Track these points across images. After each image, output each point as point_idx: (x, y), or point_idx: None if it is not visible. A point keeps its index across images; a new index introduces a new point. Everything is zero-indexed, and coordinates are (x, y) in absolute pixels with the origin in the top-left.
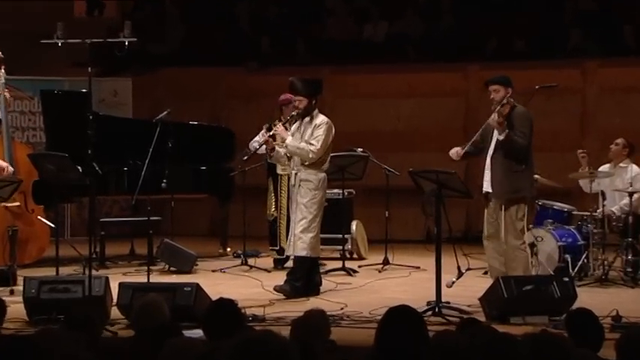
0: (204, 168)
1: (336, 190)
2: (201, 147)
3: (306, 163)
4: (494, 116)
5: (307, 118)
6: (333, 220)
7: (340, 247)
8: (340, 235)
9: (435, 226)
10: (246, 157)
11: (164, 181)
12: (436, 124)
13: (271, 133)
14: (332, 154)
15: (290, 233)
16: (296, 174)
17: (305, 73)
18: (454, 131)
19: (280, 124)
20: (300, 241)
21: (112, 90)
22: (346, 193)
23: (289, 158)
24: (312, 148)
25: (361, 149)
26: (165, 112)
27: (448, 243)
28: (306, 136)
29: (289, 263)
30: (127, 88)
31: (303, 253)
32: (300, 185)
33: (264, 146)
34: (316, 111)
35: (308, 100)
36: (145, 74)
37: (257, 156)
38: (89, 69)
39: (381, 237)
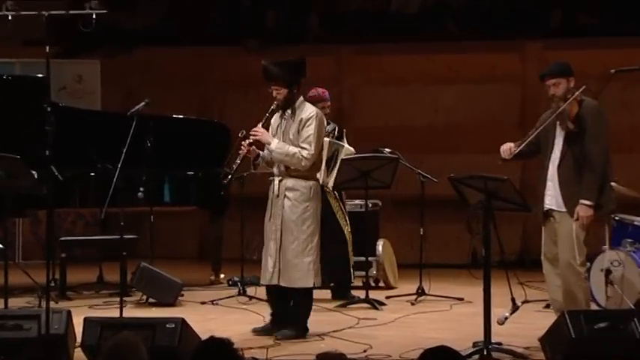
0: (191, 173)
1: (357, 202)
2: (188, 147)
3: (293, 170)
4: (568, 124)
5: (289, 111)
6: (354, 238)
7: (363, 273)
8: (363, 258)
9: (483, 248)
10: (226, 181)
11: (141, 189)
12: (484, 117)
13: (250, 141)
14: (353, 156)
15: (271, 260)
16: (280, 181)
17: (319, 53)
18: (507, 127)
19: (259, 125)
20: (295, 269)
21: (76, 75)
22: (370, 205)
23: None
24: (304, 153)
25: (389, 150)
26: (142, 103)
27: (499, 268)
28: (290, 135)
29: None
30: (95, 73)
31: (305, 284)
32: (285, 197)
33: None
34: (300, 99)
35: (288, 89)
36: (118, 55)
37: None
38: (46, 48)
39: (414, 260)
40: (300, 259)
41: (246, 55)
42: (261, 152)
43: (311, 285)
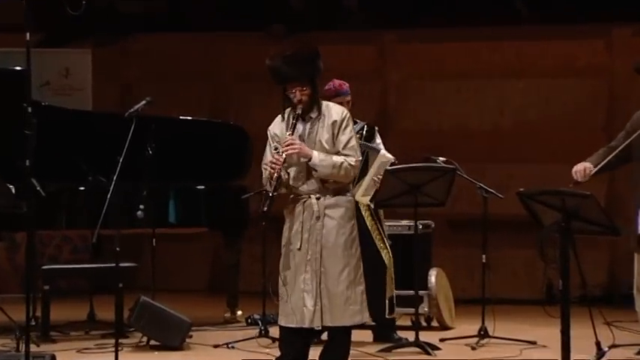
0: (202, 188)
1: (404, 222)
2: (198, 155)
3: (330, 185)
4: None
5: (313, 114)
6: (400, 267)
7: (412, 310)
8: (412, 292)
9: (560, 279)
10: (266, 208)
11: (141, 207)
12: (562, 119)
13: (283, 156)
14: (400, 167)
15: (309, 298)
16: (318, 199)
17: (357, 41)
18: (590, 130)
19: (289, 136)
20: (347, 303)
21: (62, 67)
22: (421, 227)
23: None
24: (351, 161)
25: (444, 158)
26: (143, 102)
27: (581, 305)
28: (322, 142)
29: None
30: (85, 65)
31: (361, 319)
32: (327, 216)
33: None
34: (322, 100)
35: (313, 87)
36: (113, 44)
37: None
38: (27, 35)
39: (475, 294)
40: (352, 290)
41: (270, 42)
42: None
43: (367, 319)
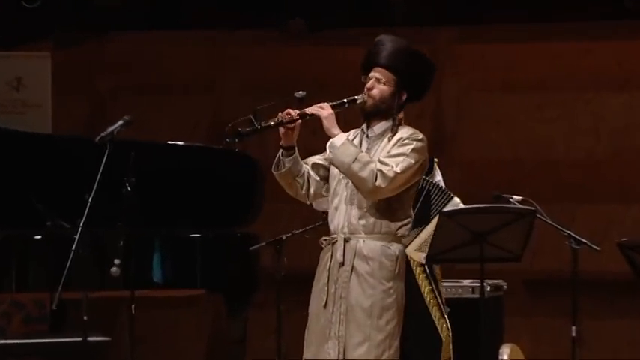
0: (197, 236)
1: (466, 283)
2: (193, 193)
3: (370, 220)
4: None
5: (380, 126)
6: (462, 343)
7: None
8: None
9: None
10: (240, 136)
11: (116, 262)
12: None
13: (301, 112)
14: (459, 209)
15: None
16: (347, 241)
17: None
18: None
19: (326, 103)
20: None
21: (12, 77)
22: (489, 289)
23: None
24: (384, 167)
25: (519, 197)
26: (120, 123)
27: None
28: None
29: None
30: (43, 74)
31: None
32: (354, 269)
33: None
34: (401, 117)
35: (393, 87)
36: (81, 45)
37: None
38: None
39: None
40: None
41: (285, 42)
42: (296, 148)
43: None
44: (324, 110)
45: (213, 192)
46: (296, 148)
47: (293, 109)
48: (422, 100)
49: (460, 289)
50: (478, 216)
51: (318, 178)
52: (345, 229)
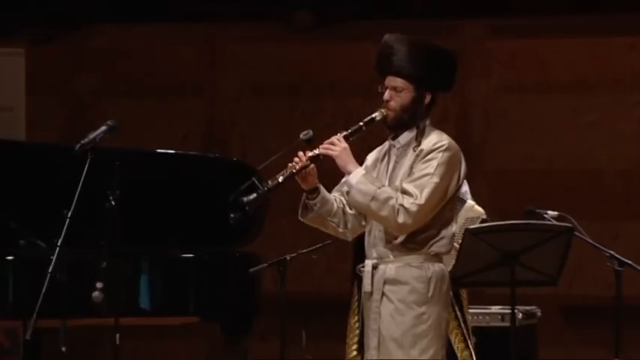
0: (190, 257)
1: (496, 309)
2: (185, 208)
3: (397, 240)
4: None
5: (405, 136)
6: None
7: None
8: None
9: None
10: (248, 199)
11: (98, 286)
12: None
13: (314, 153)
14: (487, 225)
15: None
16: (375, 267)
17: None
18: None
19: (340, 135)
20: None
21: None
22: (521, 316)
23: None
24: (405, 201)
25: (555, 213)
26: (103, 129)
27: None
28: (397, 177)
29: None
30: (16, 73)
31: None
32: (384, 295)
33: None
34: (427, 123)
35: (414, 94)
36: (58, 41)
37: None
38: None
39: None
40: None
41: (292, 37)
42: (322, 187)
43: None
44: (336, 147)
45: (207, 206)
46: (321, 188)
47: (303, 150)
48: (444, 103)
49: (488, 317)
50: (508, 234)
51: (353, 211)
52: (374, 254)
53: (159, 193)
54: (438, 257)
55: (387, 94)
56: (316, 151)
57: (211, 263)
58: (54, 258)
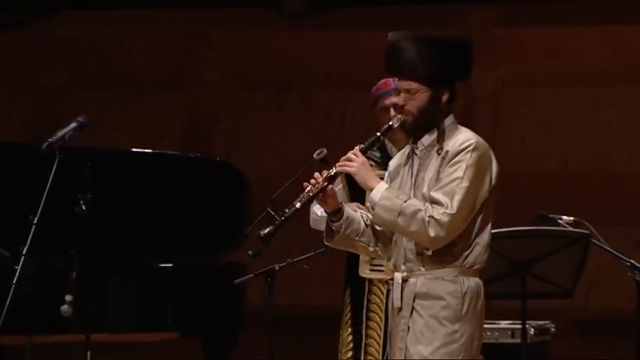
0: (168, 267)
1: (504, 324)
2: (164, 213)
3: (428, 252)
4: None
5: (427, 138)
6: None
7: None
8: None
9: None
10: (264, 233)
11: (67, 299)
12: None
13: (333, 173)
14: (495, 232)
15: None
16: (405, 280)
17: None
18: None
19: (357, 148)
20: None
21: None
22: (533, 332)
23: (380, 239)
24: (436, 213)
25: (570, 218)
26: (72, 125)
27: None
28: (423, 182)
29: None
30: None
31: None
32: (414, 310)
33: (315, 207)
34: (450, 119)
35: (430, 94)
36: (23, 29)
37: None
38: None
39: None
40: None
41: (281, 25)
42: (345, 206)
43: None
44: (354, 163)
45: (189, 211)
46: (344, 208)
47: (319, 171)
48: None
49: (497, 333)
50: (519, 241)
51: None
52: (403, 267)
53: (134, 196)
54: (473, 271)
55: (401, 99)
56: (333, 170)
57: (192, 273)
58: (18, 268)
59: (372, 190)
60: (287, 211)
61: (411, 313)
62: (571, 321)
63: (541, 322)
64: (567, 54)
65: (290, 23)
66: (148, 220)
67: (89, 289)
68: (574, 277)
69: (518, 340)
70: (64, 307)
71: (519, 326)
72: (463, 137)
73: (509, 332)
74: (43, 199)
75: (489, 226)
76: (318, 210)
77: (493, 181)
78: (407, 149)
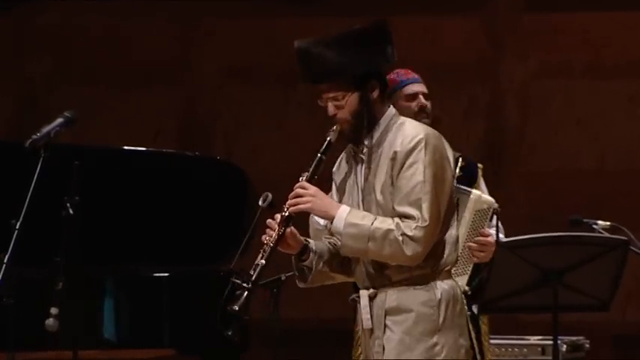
0: (164, 276)
1: (534, 340)
2: (158, 217)
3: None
4: None
5: (371, 139)
6: None
7: None
8: None
9: None
10: (236, 307)
11: (52, 312)
12: None
13: (285, 215)
14: (523, 238)
15: None
16: (373, 298)
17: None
18: None
19: (303, 178)
20: None
21: None
22: (565, 348)
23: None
24: (408, 229)
25: (606, 223)
26: (58, 121)
27: None
28: (376, 193)
29: None
30: None
31: None
32: (387, 327)
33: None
34: (389, 111)
35: (359, 95)
36: (4, 17)
37: None
38: None
39: None
40: None
41: (280, 13)
42: (310, 241)
43: None
44: (304, 198)
45: (186, 215)
46: (310, 245)
47: (271, 218)
48: (472, 90)
49: (526, 350)
50: (550, 248)
51: None
52: (367, 283)
53: (126, 199)
54: (445, 272)
55: (329, 109)
56: (285, 213)
57: (190, 283)
58: None
59: (331, 217)
60: (252, 273)
61: (384, 331)
62: (607, 336)
63: (574, 338)
64: (604, 42)
65: (295, 10)
66: (141, 225)
67: (77, 301)
68: (611, 288)
69: (549, 358)
70: (49, 321)
71: (550, 342)
72: (410, 133)
73: (540, 349)
74: (27, 202)
75: (454, 218)
76: (321, 220)
77: (454, 171)
78: (344, 156)
